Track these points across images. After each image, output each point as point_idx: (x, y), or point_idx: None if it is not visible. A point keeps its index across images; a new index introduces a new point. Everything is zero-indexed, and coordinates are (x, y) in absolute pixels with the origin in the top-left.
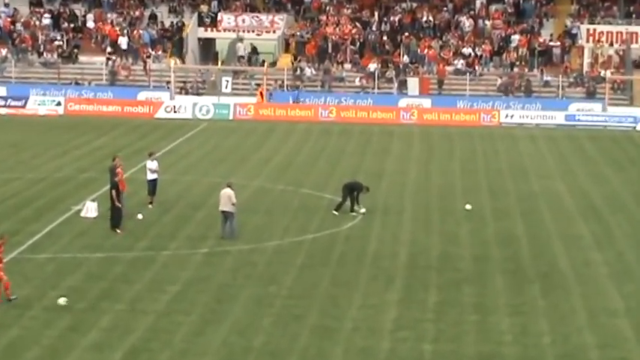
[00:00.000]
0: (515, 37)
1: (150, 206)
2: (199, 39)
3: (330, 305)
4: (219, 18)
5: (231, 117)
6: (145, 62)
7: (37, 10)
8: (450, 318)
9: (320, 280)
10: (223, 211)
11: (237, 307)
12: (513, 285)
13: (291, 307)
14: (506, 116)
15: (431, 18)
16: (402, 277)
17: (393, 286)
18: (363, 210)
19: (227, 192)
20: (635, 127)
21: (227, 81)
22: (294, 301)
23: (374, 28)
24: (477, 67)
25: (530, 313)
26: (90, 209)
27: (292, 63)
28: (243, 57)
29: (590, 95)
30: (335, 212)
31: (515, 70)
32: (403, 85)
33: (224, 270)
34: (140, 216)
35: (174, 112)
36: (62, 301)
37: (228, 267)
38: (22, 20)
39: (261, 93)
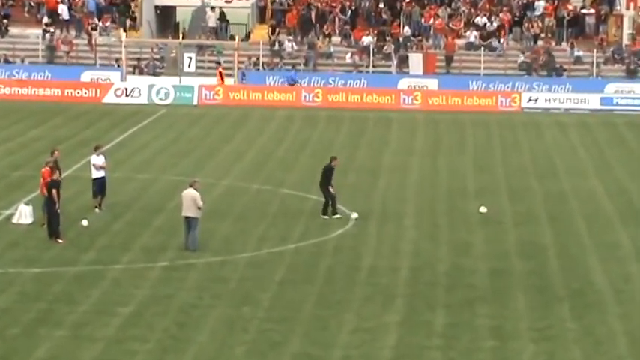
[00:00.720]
0: (540, 4)
1: (97, 210)
2: (156, 7)
3: (317, 329)
4: None
5: (195, 101)
6: (90, 35)
7: None
8: (462, 344)
9: (304, 300)
10: (186, 217)
11: (203, 333)
12: (538, 304)
13: (268, 332)
14: (529, 100)
15: None
16: (404, 296)
17: (393, 306)
18: (355, 215)
19: (190, 193)
20: None
21: (190, 58)
22: (272, 324)
23: None
24: (493, 41)
25: (559, 338)
26: (24, 214)
27: (269, 36)
28: (211, 29)
29: (631, 74)
30: (324, 217)
31: (540, 43)
32: (404, 62)
33: (188, 287)
34: (85, 222)
35: (127, 95)
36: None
37: (193, 284)
38: None
39: (220, 73)
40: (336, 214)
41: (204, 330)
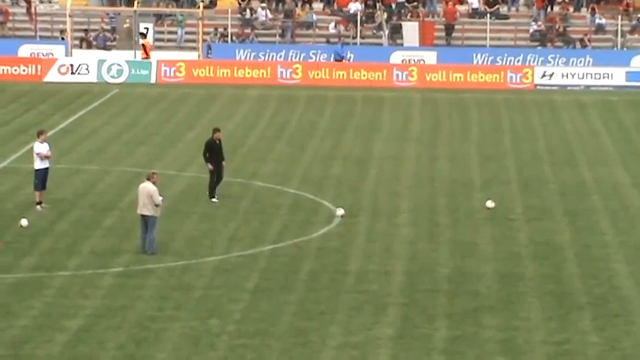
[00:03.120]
0: None
1: (39, 207)
2: None
3: (297, 345)
4: None
5: (153, 80)
6: (28, 3)
7: None
8: None
9: (281, 311)
10: (143, 215)
11: (164, 350)
12: (555, 314)
13: (240, 349)
14: (544, 75)
15: None
16: (398, 305)
17: (386, 317)
18: (340, 211)
19: (147, 188)
20: None
21: (147, 29)
22: (245, 339)
23: None
24: (501, 7)
25: (579, 353)
26: None
27: (239, 3)
28: None
29: None
30: (214, 199)
31: (556, 9)
32: (397, 32)
33: (145, 297)
34: (25, 222)
35: (72, 73)
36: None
37: (152, 293)
38: None
39: (144, 46)
40: (213, 197)
41: (166, 347)
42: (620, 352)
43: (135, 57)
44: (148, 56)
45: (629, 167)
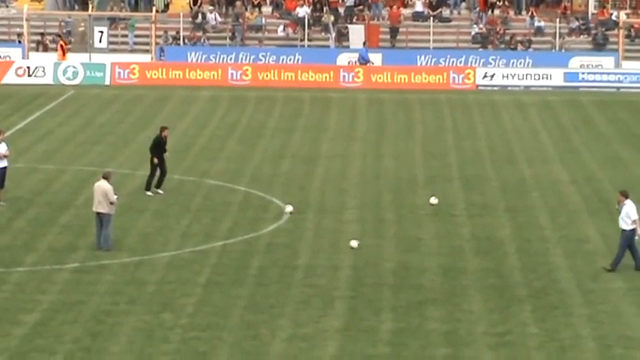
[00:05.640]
0: None
1: None
2: None
3: (247, 338)
4: None
5: (107, 81)
6: None
7: None
8: (411, 352)
9: (233, 304)
10: (98, 213)
11: (119, 343)
12: (496, 306)
13: (193, 342)
14: (485, 76)
15: None
16: (345, 299)
17: (333, 310)
18: (289, 208)
19: (102, 186)
20: None
21: (101, 32)
22: (197, 332)
23: None
24: (443, 10)
25: (520, 344)
26: None
27: (190, 7)
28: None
29: (599, 46)
30: (149, 193)
31: (496, 13)
32: (343, 35)
33: (101, 292)
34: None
35: (29, 75)
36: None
37: (107, 288)
38: None
39: (61, 46)
40: (158, 187)
41: (120, 340)
42: (559, 343)
43: (90, 60)
44: (64, 57)
45: (567, 164)
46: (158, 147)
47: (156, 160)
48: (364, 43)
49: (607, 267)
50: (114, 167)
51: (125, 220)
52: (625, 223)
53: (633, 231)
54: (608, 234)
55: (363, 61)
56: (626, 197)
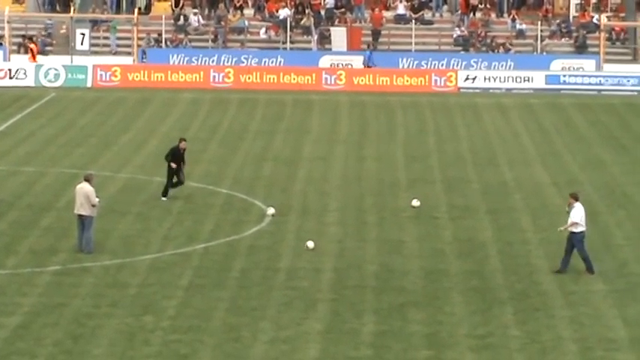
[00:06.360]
0: None
1: None
2: None
3: (229, 340)
4: None
5: (89, 84)
6: None
7: None
8: (393, 355)
9: (214, 307)
10: (80, 215)
11: (100, 345)
12: (478, 308)
13: (174, 344)
14: (467, 79)
15: None
16: (327, 301)
17: (315, 312)
18: (271, 211)
19: (84, 188)
20: None
21: (83, 34)
22: (179, 335)
23: None
24: (425, 13)
25: (501, 346)
26: None
27: (172, 9)
28: (106, 1)
29: (580, 49)
30: (164, 198)
31: (478, 15)
32: (325, 37)
33: (82, 295)
34: None
35: (10, 77)
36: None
37: (88, 290)
38: None
39: (31, 50)
40: (165, 196)
41: (102, 342)
42: (541, 345)
43: (71, 62)
44: (35, 59)
45: (549, 167)
46: (174, 157)
47: (174, 165)
48: (368, 46)
49: (587, 273)
50: (95, 169)
51: (107, 222)
52: (574, 225)
53: (582, 233)
54: (589, 235)
55: (370, 63)
56: (576, 200)
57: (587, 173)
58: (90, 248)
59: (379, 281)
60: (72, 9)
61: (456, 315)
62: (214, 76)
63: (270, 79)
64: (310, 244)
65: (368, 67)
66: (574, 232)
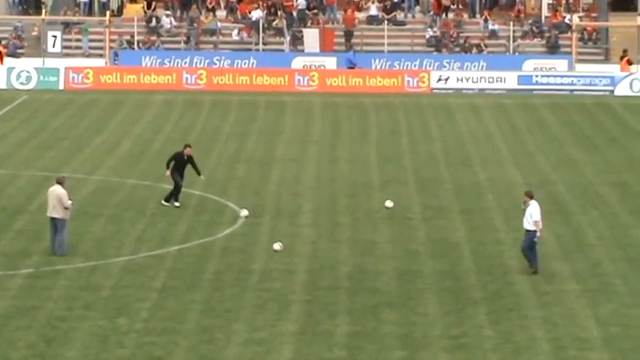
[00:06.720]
0: None
1: None
2: None
3: (203, 342)
4: None
5: (61, 86)
6: None
7: None
8: (367, 355)
9: (188, 309)
10: (52, 218)
11: (73, 348)
12: (451, 309)
13: (148, 347)
14: (439, 79)
15: None
16: (301, 302)
17: (289, 314)
18: (244, 212)
19: (57, 191)
20: (612, 92)
21: (55, 37)
22: (152, 337)
23: None
24: (398, 14)
25: (475, 346)
26: None
27: (145, 11)
28: (78, 3)
29: (552, 49)
30: (165, 203)
31: (451, 16)
32: (298, 39)
33: (55, 297)
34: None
35: None
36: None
37: (61, 293)
38: None
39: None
40: (167, 201)
41: (75, 345)
42: (514, 345)
43: (43, 64)
44: (2, 62)
45: (522, 167)
46: (177, 163)
47: (168, 174)
48: (351, 47)
49: (531, 270)
50: (68, 172)
51: (80, 224)
52: (528, 223)
53: (535, 231)
54: (562, 235)
55: (351, 65)
56: (531, 198)
57: (560, 173)
58: (63, 251)
59: (353, 282)
60: (43, 11)
61: (430, 315)
62: (187, 78)
63: (242, 80)
64: (276, 246)
65: (350, 67)
66: (529, 230)
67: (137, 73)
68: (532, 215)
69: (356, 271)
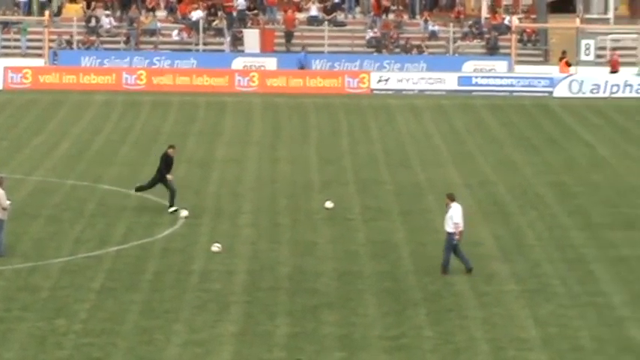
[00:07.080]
0: None
1: None
2: None
3: (142, 343)
4: None
5: (0, 86)
6: None
7: None
8: (307, 356)
9: (127, 310)
10: None
11: (11, 349)
12: (391, 310)
13: (87, 348)
14: (379, 80)
15: None
16: (240, 303)
17: (228, 314)
18: (184, 213)
19: None
20: (551, 93)
21: None
22: (91, 338)
23: None
24: (338, 14)
25: (414, 347)
26: None
27: (84, 11)
28: (16, 3)
29: (491, 50)
30: (172, 209)
31: (391, 17)
32: (238, 39)
33: None
34: None
35: None
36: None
37: None
38: None
39: None
40: (171, 206)
41: (13, 346)
42: (454, 346)
43: None
44: None
45: (461, 168)
46: (167, 165)
47: (170, 177)
48: (303, 48)
49: (442, 272)
50: (7, 172)
51: (18, 225)
52: (449, 225)
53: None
54: (502, 236)
55: (301, 65)
56: (453, 200)
57: (499, 174)
58: (1, 251)
59: (292, 283)
60: None
61: (370, 316)
62: (127, 78)
63: (182, 81)
64: (215, 247)
65: (301, 68)
66: (450, 232)
67: (76, 73)
68: (452, 217)
69: (296, 272)
